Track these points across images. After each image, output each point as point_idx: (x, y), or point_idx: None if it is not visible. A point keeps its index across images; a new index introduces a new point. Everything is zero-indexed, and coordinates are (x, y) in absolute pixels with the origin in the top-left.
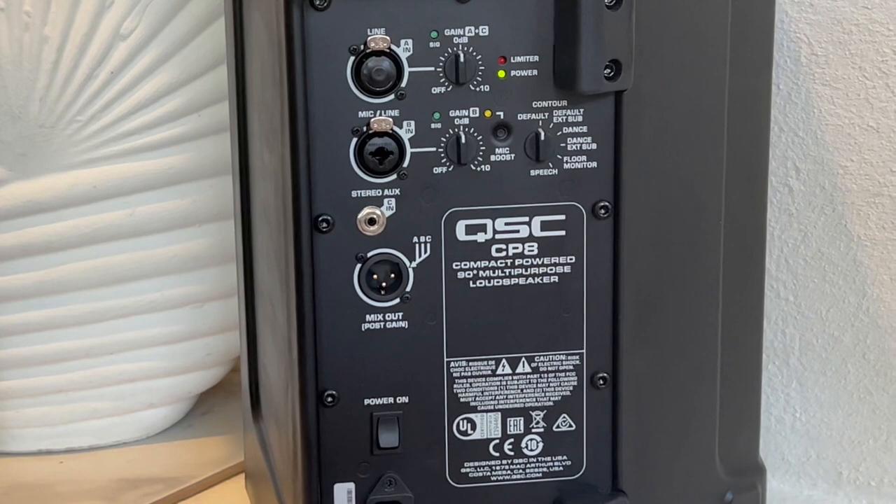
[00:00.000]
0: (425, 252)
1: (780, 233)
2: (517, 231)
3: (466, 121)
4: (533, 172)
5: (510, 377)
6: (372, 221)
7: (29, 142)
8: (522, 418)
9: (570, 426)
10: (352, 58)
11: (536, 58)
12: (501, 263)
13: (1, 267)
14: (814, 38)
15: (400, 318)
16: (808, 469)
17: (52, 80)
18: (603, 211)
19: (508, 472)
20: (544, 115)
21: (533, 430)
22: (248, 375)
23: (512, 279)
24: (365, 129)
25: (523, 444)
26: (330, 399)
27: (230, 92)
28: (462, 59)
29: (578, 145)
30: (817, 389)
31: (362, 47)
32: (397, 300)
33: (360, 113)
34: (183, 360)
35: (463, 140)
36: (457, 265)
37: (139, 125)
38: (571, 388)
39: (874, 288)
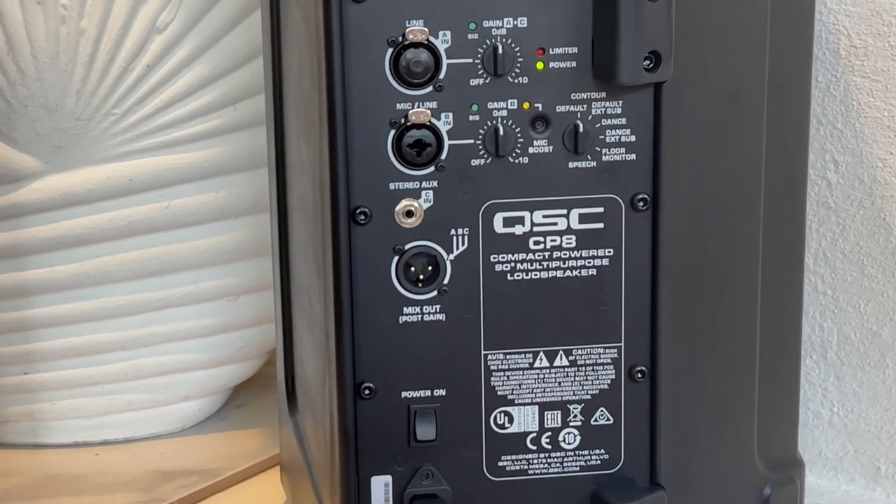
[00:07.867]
0: (463, 244)
1: (819, 226)
2: (555, 223)
3: (504, 113)
4: (571, 165)
5: (548, 370)
6: (410, 214)
7: (65, 135)
8: (560, 412)
9: (608, 420)
10: (390, 50)
11: (575, 49)
12: (539, 256)
13: (37, 259)
14: (853, 30)
15: (437, 310)
16: (845, 464)
17: (89, 73)
18: (641, 203)
19: (546, 465)
20: (583, 107)
21: (570, 424)
22: (283, 368)
23: (550, 272)
24: (403, 121)
25: (561, 438)
26: (367, 391)
27: (266, 85)
28: (500, 50)
29: (617, 137)
30: (855, 384)
31: (400, 39)
32: (435, 293)
33: (398, 105)
34: (218, 353)
35: (501, 132)
36: (494, 258)
37: (175, 118)
38: (609, 382)
39: None
